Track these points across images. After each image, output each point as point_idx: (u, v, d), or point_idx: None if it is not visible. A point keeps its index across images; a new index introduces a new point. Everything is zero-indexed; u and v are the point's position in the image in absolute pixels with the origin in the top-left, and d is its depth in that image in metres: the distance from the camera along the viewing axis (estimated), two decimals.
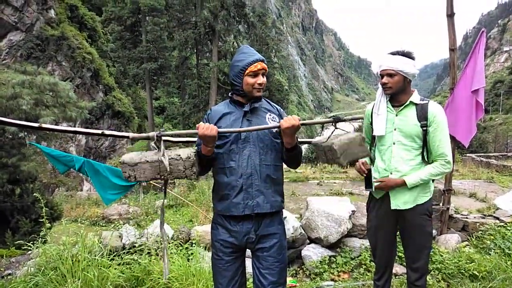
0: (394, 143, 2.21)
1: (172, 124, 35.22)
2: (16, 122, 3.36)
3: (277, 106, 2.03)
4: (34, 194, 5.79)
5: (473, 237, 4.11)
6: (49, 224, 3.45)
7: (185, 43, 25.61)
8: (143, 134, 1.74)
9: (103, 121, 25.50)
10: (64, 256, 2.89)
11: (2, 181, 6.38)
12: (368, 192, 2.39)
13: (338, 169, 14.82)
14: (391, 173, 2.21)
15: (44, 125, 3.16)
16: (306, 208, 4.11)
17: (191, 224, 6.64)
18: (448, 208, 4.18)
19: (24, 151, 6.93)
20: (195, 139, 3.53)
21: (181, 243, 3.65)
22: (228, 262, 1.88)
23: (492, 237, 3.89)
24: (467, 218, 4.46)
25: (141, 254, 3.29)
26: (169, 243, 3.49)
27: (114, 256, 3.23)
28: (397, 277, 3.34)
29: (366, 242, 3.69)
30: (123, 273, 2.98)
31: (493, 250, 3.61)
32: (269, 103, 2.01)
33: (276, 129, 1.80)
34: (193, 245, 3.51)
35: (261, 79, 1.84)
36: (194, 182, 10.79)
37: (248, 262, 2.01)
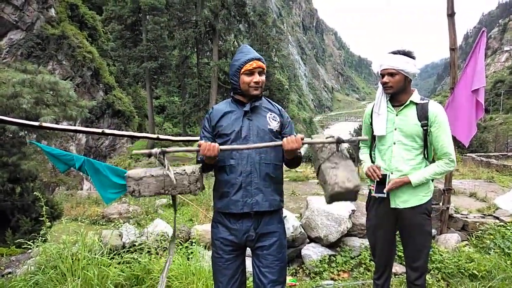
0: (394, 143, 2.21)
1: (173, 123, 35.21)
2: (16, 121, 3.36)
3: (278, 106, 2.03)
4: (35, 193, 5.80)
5: (473, 236, 4.11)
6: (49, 223, 3.45)
7: (186, 42, 25.63)
8: (145, 151, 1.73)
9: (104, 120, 25.54)
10: (64, 255, 2.89)
11: (3, 180, 6.39)
12: (368, 191, 2.39)
13: None
14: (391, 173, 2.21)
15: (44, 124, 3.17)
16: (306, 207, 4.12)
17: (191, 223, 6.66)
18: (448, 208, 4.18)
19: (25, 150, 6.94)
20: (195, 138, 3.54)
21: (181, 242, 3.66)
22: (228, 260, 1.89)
23: (492, 236, 3.89)
24: (467, 217, 4.46)
25: (141, 253, 3.29)
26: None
27: (114, 255, 3.24)
28: (396, 276, 3.34)
29: (366, 242, 3.70)
30: (123, 272, 2.99)
31: (492, 250, 3.61)
32: (270, 102, 2.02)
33: (278, 143, 1.73)
34: (193, 244, 3.52)
35: (258, 78, 1.83)
36: None
37: (248, 261, 2.01)
